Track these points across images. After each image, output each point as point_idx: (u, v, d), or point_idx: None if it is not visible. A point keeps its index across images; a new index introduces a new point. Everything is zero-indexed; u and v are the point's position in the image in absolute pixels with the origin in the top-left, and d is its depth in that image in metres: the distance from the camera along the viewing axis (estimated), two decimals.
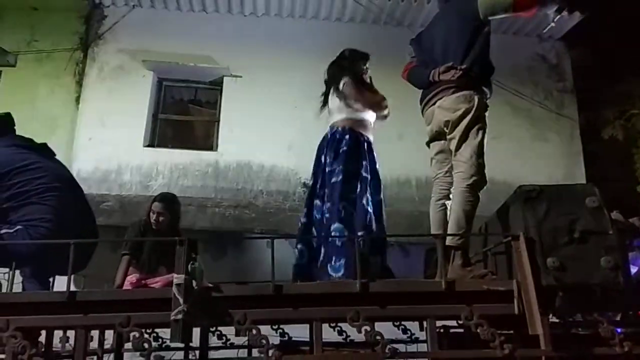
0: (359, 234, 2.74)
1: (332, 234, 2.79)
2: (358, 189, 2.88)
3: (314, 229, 2.99)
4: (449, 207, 2.50)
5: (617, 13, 6.70)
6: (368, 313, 1.97)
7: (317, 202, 3.00)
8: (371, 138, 3.11)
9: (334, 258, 2.75)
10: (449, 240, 2.30)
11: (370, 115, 3.13)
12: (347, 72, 3.16)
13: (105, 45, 6.44)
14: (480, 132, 2.42)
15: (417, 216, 5.94)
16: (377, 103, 3.12)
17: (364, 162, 2.95)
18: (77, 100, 6.23)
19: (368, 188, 2.91)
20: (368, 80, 3.25)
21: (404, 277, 3.43)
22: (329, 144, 3.03)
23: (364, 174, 2.93)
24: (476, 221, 2.47)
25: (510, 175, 5.70)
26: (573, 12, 2.59)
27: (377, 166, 3.05)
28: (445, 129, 2.49)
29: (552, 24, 2.64)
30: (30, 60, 6.44)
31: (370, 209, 2.87)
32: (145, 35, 6.47)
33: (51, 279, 2.78)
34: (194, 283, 2.01)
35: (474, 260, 2.55)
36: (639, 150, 7.82)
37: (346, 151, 2.93)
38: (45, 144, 2.93)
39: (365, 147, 3.00)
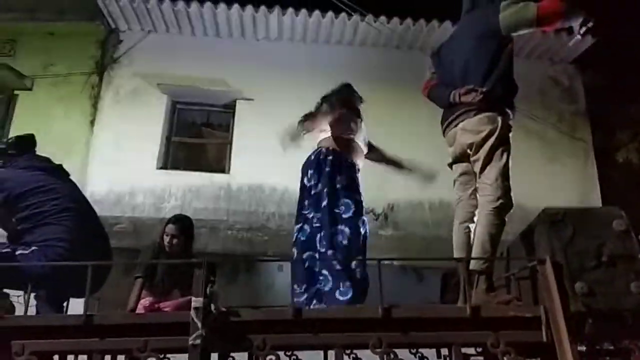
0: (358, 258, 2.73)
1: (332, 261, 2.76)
2: (351, 211, 2.85)
3: (294, 249, 2.94)
4: (472, 231, 2.44)
5: (629, 36, 6.71)
6: (391, 339, 1.91)
7: (305, 225, 2.95)
8: (357, 162, 3.09)
9: (340, 284, 2.70)
10: (473, 265, 2.24)
11: (359, 139, 3.12)
12: (336, 95, 3.23)
13: (121, 69, 6.54)
14: (505, 154, 2.37)
15: (430, 240, 5.88)
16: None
17: (352, 184, 2.94)
18: (92, 123, 6.29)
19: (363, 210, 2.89)
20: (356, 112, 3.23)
21: (420, 302, 3.37)
22: (312, 165, 3.03)
23: (357, 196, 2.91)
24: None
25: (524, 198, 5.57)
26: (586, 34, 2.54)
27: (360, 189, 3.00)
28: (468, 150, 2.44)
29: (578, 36, 2.58)
30: (46, 84, 6.54)
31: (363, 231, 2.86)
32: (160, 59, 6.57)
33: (65, 303, 2.75)
34: (213, 307, 1.97)
35: (496, 284, 2.49)
36: None
37: (329, 171, 2.92)
38: (60, 165, 2.94)
39: (347, 167, 2.98)
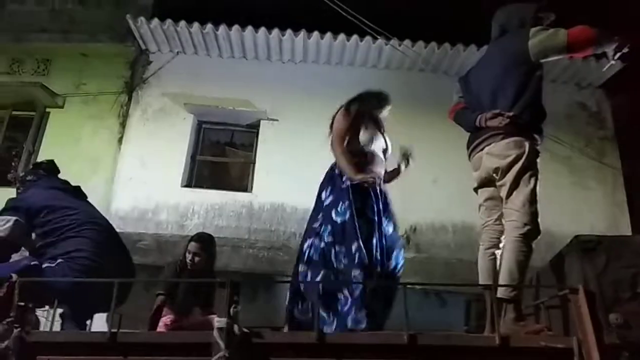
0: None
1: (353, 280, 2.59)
2: (366, 230, 2.69)
3: (304, 267, 2.76)
4: (498, 257, 2.39)
5: None
6: None
7: (315, 240, 2.78)
8: (380, 172, 2.93)
9: (354, 309, 2.54)
10: (501, 292, 2.19)
11: (377, 148, 2.97)
12: (356, 104, 3.08)
13: (149, 89, 6.70)
14: (533, 179, 2.33)
15: (453, 264, 5.78)
16: (339, 155, 2.92)
17: (369, 201, 2.76)
18: (120, 140, 6.43)
19: (375, 231, 2.70)
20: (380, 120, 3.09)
21: (443, 328, 3.28)
22: (328, 179, 2.94)
23: (370, 215, 2.74)
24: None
25: (551, 224, 5.45)
26: (620, 57, 2.51)
27: (380, 206, 2.81)
28: (494, 175, 2.41)
29: (612, 62, 2.55)
30: (77, 102, 6.73)
31: (377, 253, 2.68)
32: (188, 80, 6.71)
33: (89, 321, 2.78)
34: (236, 328, 1.96)
35: (524, 313, 2.42)
36: None
37: (346, 189, 2.77)
38: (78, 187, 3.04)
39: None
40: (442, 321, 5.47)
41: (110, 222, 3.07)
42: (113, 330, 2.01)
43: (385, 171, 3.07)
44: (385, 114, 3.16)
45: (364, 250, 2.62)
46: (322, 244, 2.73)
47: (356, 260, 2.61)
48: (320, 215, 2.85)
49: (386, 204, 2.90)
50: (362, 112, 3.03)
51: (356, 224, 2.67)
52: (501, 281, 2.25)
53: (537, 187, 2.35)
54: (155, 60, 6.83)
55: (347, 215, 2.70)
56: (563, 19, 2.55)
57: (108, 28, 7.00)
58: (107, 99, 6.69)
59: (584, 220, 5.95)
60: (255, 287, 6.09)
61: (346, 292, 2.60)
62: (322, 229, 2.78)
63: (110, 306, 2.06)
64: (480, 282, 2.45)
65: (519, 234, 2.25)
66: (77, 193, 3.00)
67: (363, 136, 2.96)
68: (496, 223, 2.44)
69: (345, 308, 2.57)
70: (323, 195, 2.93)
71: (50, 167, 3.06)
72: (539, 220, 2.33)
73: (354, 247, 2.63)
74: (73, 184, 3.02)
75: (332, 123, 3.12)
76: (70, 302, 2.52)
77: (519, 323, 2.16)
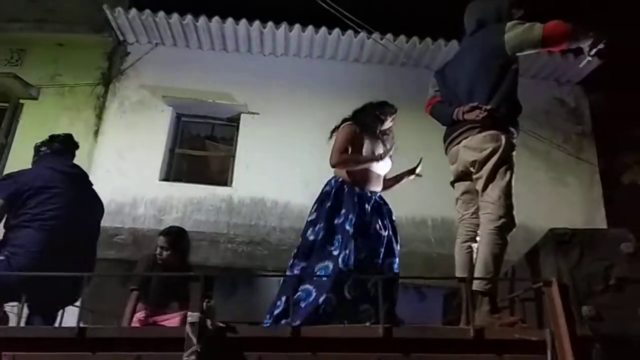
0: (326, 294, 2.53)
1: (299, 294, 2.59)
2: (336, 244, 2.67)
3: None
4: (475, 250, 2.39)
5: (636, 58, 6.71)
6: None
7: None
8: (375, 188, 2.91)
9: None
10: (476, 285, 2.19)
11: (377, 167, 2.93)
12: (361, 114, 3.07)
13: (127, 81, 6.56)
14: (508, 173, 2.34)
15: (433, 258, 5.81)
16: (348, 162, 2.89)
17: (350, 216, 2.72)
18: (96, 133, 6.29)
19: (349, 244, 2.65)
20: (379, 134, 3.06)
21: (422, 322, 3.29)
22: (321, 194, 2.91)
23: (347, 228, 2.69)
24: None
25: (528, 218, 5.54)
26: (595, 56, 2.52)
27: (376, 224, 2.79)
28: (471, 168, 2.41)
29: (588, 58, 2.56)
30: (52, 93, 6.56)
31: (343, 267, 2.62)
32: (166, 72, 6.59)
33: (58, 315, 2.71)
34: (209, 322, 1.92)
35: (499, 306, 2.43)
36: None
37: (330, 205, 2.78)
38: (84, 175, 2.97)
39: (356, 201, 2.78)
40: (421, 314, 5.50)
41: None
42: (81, 325, 1.96)
43: (385, 177, 3.08)
44: (389, 124, 3.13)
45: (328, 268, 2.64)
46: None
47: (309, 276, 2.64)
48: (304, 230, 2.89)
49: (380, 213, 2.87)
50: (365, 126, 3.00)
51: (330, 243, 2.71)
52: (476, 274, 2.26)
53: (513, 181, 2.36)
54: (133, 52, 6.69)
55: (322, 234, 2.73)
56: (536, 14, 2.55)
57: (85, 18, 6.83)
58: (84, 90, 6.54)
59: (561, 215, 6.02)
60: (235, 282, 6.05)
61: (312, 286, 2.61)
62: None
63: (71, 300, 2.00)
64: (457, 275, 2.45)
65: (494, 226, 2.25)
66: (76, 180, 2.92)
67: (365, 152, 2.95)
68: (473, 217, 2.45)
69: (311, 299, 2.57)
70: (312, 209, 2.93)
71: (65, 144, 2.99)
72: (515, 213, 2.34)
73: (317, 266, 2.66)
74: None
75: (333, 131, 3.08)
76: (10, 298, 2.46)
77: (493, 315, 2.17)
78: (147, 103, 6.49)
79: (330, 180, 2.93)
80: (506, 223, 2.27)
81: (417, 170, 3.12)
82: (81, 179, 2.98)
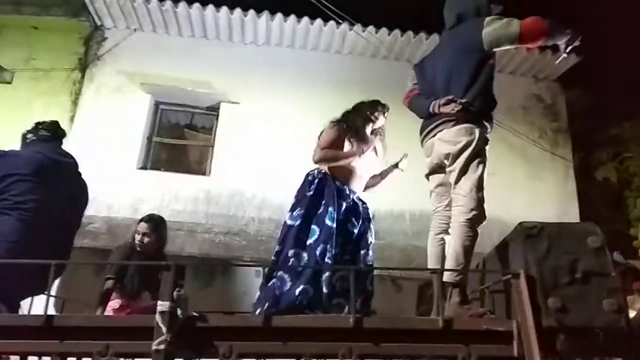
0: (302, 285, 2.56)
1: (272, 282, 2.60)
2: (315, 237, 2.68)
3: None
4: (448, 242, 2.42)
5: (612, 57, 6.84)
6: (361, 350, 1.87)
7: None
8: (354, 187, 2.93)
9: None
10: (446, 277, 2.22)
11: (358, 166, 2.95)
12: (345, 118, 3.07)
13: (104, 67, 6.43)
14: (481, 166, 2.37)
15: (410, 250, 5.87)
16: (328, 159, 2.90)
17: (329, 209, 2.74)
18: (72, 119, 6.17)
19: (329, 239, 2.67)
20: (365, 134, 3.04)
21: (397, 312, 3.33)
22: (302, 184, 2.92)
23: (328, 223, 2.71)
24: (472, 257, 2.39)
25: (504, 212, 5.62)
26: (572, 53, 2.57)
27: (349, 222, 2.80)
28: (445, 161, 2.44)
29: (564, 55, 2.59)
30: (26, 78, 6.40)
31: (320, 260, 2.63)
32: (145, 59, 6.48)
33: (22, 303, 2.67)
34: (179, 311, 1.91)
35: (470, 297, 2.47)
36: (632, 193, 7.86)
37: (312, 195, 2.79)
38: (73, 164, 2.89)
39: (335, 194, 2.79)
40: (397, 305, 5.57)
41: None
42: (49, 314, 1.93)
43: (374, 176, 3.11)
44: (381, 122, 3.13)
45: (301, 256, 2.67)
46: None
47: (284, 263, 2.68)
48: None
49: (355, 211, 2.86)
50: (350, 127, 3.00)
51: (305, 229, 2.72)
52: (447, 266, 2.29)
53: (485, 174, 2.39)
54: (111, 37, 6.55)
55: (299, 221, 2.74)
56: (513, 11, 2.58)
57: (61, 1, 6.66)
58: (59, 75, 6.39)
59: (535, 210, 6.14)
60: (212, 272, 6.02)
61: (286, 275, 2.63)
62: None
63: (42, 289, 1.97)
64: (429, 267, 2.48)
65: (465, 219, 2.28)
66: (66, 169, 2.84)
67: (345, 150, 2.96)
68: (446, 209, 2.48)
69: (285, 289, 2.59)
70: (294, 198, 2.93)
71: (51, 130, 2.91)
72: (487, 206, 2.37)
73: (290, 252, 2.67)
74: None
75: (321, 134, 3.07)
76: None
77: (463, 307, 2.21)
78: (125, 90, 6.37)
79: (312, 171, 2.94)
80: (477, 215, 2.30)
81: (400, 165, 3.13)
82: (71, 167, 2.91)
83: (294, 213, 2.78)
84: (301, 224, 2.72)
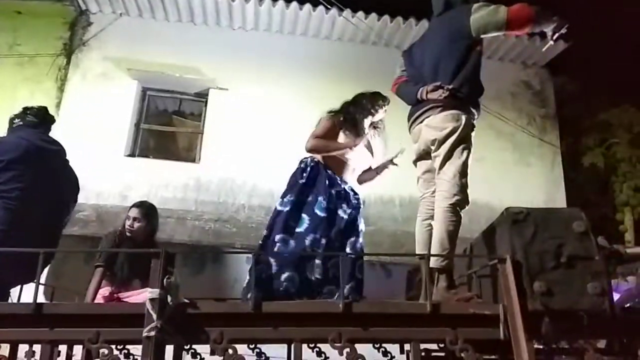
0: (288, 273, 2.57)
1: (259, 266, 2.55)
2: (304, 226, 2.69)
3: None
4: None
5: (601, 43, 6.88)
6: (350, 335, 1.90)
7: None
8: (346, 177, 2.93)
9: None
10: (433, 263, 2.25)
11: (351, 158, 2.94)
12: (344, 109, 3.03)
13: (90, 52, 6.35)
14: (465, 152, 2.39)
15: (399, 235, 5.92)
16: (320, 148, 2.88)
17: (319, 198, 2.74)
18: (58, 106, 6.09)
19: (318, 228, 2.67)
20: (362, 127, 3.00)
21: (387, 298, 3.37)
22: (295, 172, 2.91)
23: (318, 212, 2.71)
24: (459, 243, 2.42)
25: (492, 197, 5.73)
26: (559, 39, 2.59)
27: (343, 211, 2.79)
28: (431, 147, 2.45)
29: (551, 42, 2.61)
30: (11, 63, 6.30)
31: (309, 249, 2.65)
32: (131, 44, 6.40)
33: (11, 290, 2.65)
34: (169, 298, 1.92)
35: (458, 282, 2.50)
36: (619, 178, 7.98)
37: (304, 183, 2.79)
38: (59, 151, 2.85)
39: (327, 183, 2.79)
40: (387, 291, 5.62)
41: None
42: (38, 302, 1.92)
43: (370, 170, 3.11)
44: (381, 115, 3.09)
45: (288, 243, 2.67)
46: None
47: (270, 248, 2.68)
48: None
49: (346, 199, 2.86)
50: (347, 119, 2.96)
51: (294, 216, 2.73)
52: (433, 251, 2.31)
53: (469, 161, 2.40)
54: (97, 22, 6.46)
55: (288, 207, 2.74)
56: None
57: None
58: (44, 61, 6.30)
59: (523, 195, 6.22)
60: (203, 260, 6.02)
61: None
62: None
63: (31, 278, 1.96)
64: (417, 252, 2.51)
65: (448, 204, 2.31)
66: (52, 156, 2.80)
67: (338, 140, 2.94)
68: (433, 195, 2.49)
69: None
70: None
71: (39, 116, 2.85)
72: (471, 192, 2.40)
73: (277, 237, 2.67)
74: None
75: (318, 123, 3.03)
76: None
77: (450, 291, 2.24)
78: (111, 75, 6.30)
79: (306, 159, 2.93)
80: (460, 200, 2.32)
81: (395, 160, 3.12)
82: (57, 155, 2.86)
83: (285, 199, 2.78)
84: (291, 210, 2.72)
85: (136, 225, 3.54)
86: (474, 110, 2.48)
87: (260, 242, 2.77)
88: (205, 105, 6.56)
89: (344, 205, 2.82)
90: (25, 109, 2.88)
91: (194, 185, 6.04)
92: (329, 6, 6.34)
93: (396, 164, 3.12)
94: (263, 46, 6.69)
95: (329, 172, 2.85)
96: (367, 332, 1.96)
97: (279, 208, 2.76)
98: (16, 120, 2.83)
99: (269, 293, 2.44)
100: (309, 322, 1.97)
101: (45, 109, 2.92)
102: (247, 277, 2.67)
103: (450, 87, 2.38)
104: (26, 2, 6.49)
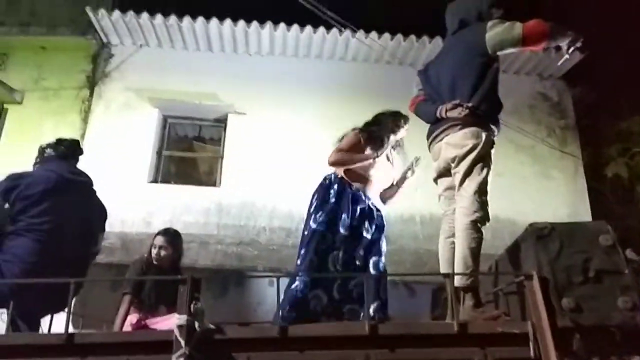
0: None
1: (295, 284, 2.63)
2: (329, 244, 2.72)
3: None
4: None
5: (616, 51, 6.82)
6: (378, 357, 1.90)
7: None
8: (368, 192, 2.94)
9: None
10: (457, 281, 2.23)
11: (373, 174, 2.96)
12: (373, 125, 3.07)
13: (112, 83, 6.53)
14: (485, 170, 2.39)
15: (422, 254, 5.86)
16: (343, 161, 2.92)
17: (343, 215, 2.78)
18: (83, 136, 6.25)
19: (341, 246, 2.71)
20: (386, 144, 3.04)
21: (411, 318, 3.34)
22: (320, 188, 2.93)
23: (341, 230, 2.76)
24: (483, 260, 2.40)
25: (514, 212, 5.65)
26: (574, 51, 2.60)
27: (363, 224, 2.82)
28: (452, 164, 2.46)
29: (567, 56, 2.63)
30: (36, 97, 6.52)
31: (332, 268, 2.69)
32: (152, 74, 6.57)
33: (42, 320, 2.70)
34: (197, 324, 1.94)
35: (484, 300, 2.47)
36: None
37: (334, 202, 2.81)
38: (87, 182, 2.92)
39: (350, 200, 2.82)
40: (410, 311, 5.55)
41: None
42: (70, 331, 1.96)
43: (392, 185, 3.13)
44: (401, 134, 3.14)
45: (315, 261, 2.69)
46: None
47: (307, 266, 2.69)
48: (305, 222, 2.91)
49: (370, 217, 2.88)
50: (372, 137, 3.01)
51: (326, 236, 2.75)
52: (457, 269, 2.30)
53: (489, 178, 2.40)
54: (118, 54, 6.66)
55: (323, 227, 2.76)
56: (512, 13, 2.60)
57: (68, 20, 6.79)
58: (68, 94, 6.50)
59: (546, 209, 6.12)
60: (226, 284, 6.04)
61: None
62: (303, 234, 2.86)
63: (61, 307, 2.00)
64: (441, 271, 2.49)
65: (469, 220, 2.30)
66: (81, 188, 2.87)
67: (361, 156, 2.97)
68: (455, 212, 2.49)
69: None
70: (312, 202, 2.94)
71: (71, 148, 2.93)
72: (493, 208, 2.40)
73: (312, 256, 2.69)
74: None
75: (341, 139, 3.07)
76: (7, 305, 2.43)
77: (477, 310, 2.21)
78: (133, 105, 6.46)
79: (329, 175, 2.96)
80: (481, 217, 2.32)
81: (413, 167, 3.13)
82: (85, 186, 2.93)
83: (318, 217, 2.79)
84: (324, 230, 2.74)
85: (162, 253, 3.59)
86: (493, 127, 2.49)
87: (298, 261, 2.76)
88: (225, 130, 6.67)
89: (367, 224, 2.83)
90: (59, 140, 2.96)
91: (215, 209, 6.11)
92: (342, 28, 6.44)
93: (414, 171, 3.11)
94: (279, 70, 6.80)
95: (353, 188, 2.87)
96: (394, 353, 1.95)
97: (314, 226, 2.78)
98: (48, 150, 2.90)
99: (303, 314, 2.45)
100: (336, 345, 1.97)
101: (77, 142, 3.01)
102: (282, 296, 2.66)
103: (470, 104, 2.39)
104: (50, 38, 6.74)
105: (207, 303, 2.08)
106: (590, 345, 1.91)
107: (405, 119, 3.14)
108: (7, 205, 2.56)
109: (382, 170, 3.01)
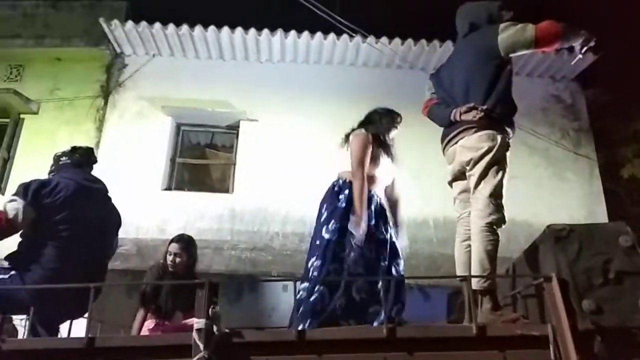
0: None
1: (301, 293, 2.63)
2: (347, 250, 2.70)
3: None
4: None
5: (629, 52, 6.75)
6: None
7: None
8: (378, 194, 2.94)
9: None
10: (475, 284, 2.21)
11: (378, 171, 2.95)
12: (369, 125, 3.06)
13: (126, 93, 6.63)
14: (501, 172, 2.37)
15: (436, 257, 5.83)
16: (367, 171, 2.88)
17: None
18: (97, 145, 6.34)
19: (358, 249, 2.69)
20: (388, 142, 3.05)
21: (427, 321, 3.31)
22: (329, 195, 2.92)
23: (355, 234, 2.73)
24: (500, 262, 2.38)
25: (530, 215, 5.61)
26: (587, 51, 2.58)
27: (380, 227, 2.80)
28: (467, 167, 2.45)
29: (580, 56, 2.61)
30: (52, 108, 6.64)
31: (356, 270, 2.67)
32: (165, 82, 6.66)
33: (60, 326, 2.73)
34: (215, 328, 1.95)
35: (502, 303, 2.45)
36: None
37: (344, 207, 2.79)
38: (103, 189, 2.96)
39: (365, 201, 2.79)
40: (426, 314, 5.52)
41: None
42: (90, 336, 1.99)
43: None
44: (395, 132, 3.14)
45: (332, 271, 2.68)
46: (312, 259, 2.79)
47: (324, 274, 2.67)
48: (315, 230, 2.90)
49: (383, 215, 2.88)
50: (377, 135, 3.01)
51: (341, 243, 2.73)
52: (473, 272, 2.28)
53: (504, 181, 2.38)
54: (131, 63, 6.76)
55: (336, 236, 2.74)
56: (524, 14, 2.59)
57: (82, 32, 6.92)
58: (83, 103, 6.61)
59: (562, 211, 6.06)
60: (240, 289, 6.07)
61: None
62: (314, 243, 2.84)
63: (79, 313, 2.02)
64: (457, 274, 2.47)
65: (485, 223, 2.28)
66: (97, 195, 2.91)
67: (375, 160, 2.97)
68: (470, 215, 2.47)
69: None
70: (322, 210, 2.92)
71: (86, 156, 2.97)
72: (510, 211, 2.37)
73: (331, 268, 2.67)
74: None
75: (347, 138, 3.05)
76: (24, 312, 2.45)
77: (495, 312, 2.19)
78: (147, 114, 6.54)
79: (337, 181, 2.94)
80: (496, 219, 2.30)
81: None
82: (100, 193, 2.97)
83: (330, 226, 2.78)
84: (338, 238, 2.73)
85: (177, 260, 3.61)
86: (508, 130, 2.47)
87: (314, 272, 2.72)
88: (237, 137, 6.72)
89: (382, 224, 2.82)
90: (73, 148, 3.00)
91: (229, 216, 6.14)
92: (353, 34, 6.46)
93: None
94: (290, 77, 6.85)
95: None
96: (412, 356, 1.93)
97: (327, 236, 2.76)
98: (63, 158, 2.93)
99: (325, 321, 2.44)
100: (354, 349, 1.96)
101: (91, 150, 3.05)
102: (301, 307, 2.64)
103: (485, 107, 2.38)
104: (65, 49, 6.87)
105: (222, 309, 2.09)
106: (611, 348, 1.88)
107: (400, 116, 3.14)
108: (33, 214, 2.58)
109: (386, 168, 3.01)
